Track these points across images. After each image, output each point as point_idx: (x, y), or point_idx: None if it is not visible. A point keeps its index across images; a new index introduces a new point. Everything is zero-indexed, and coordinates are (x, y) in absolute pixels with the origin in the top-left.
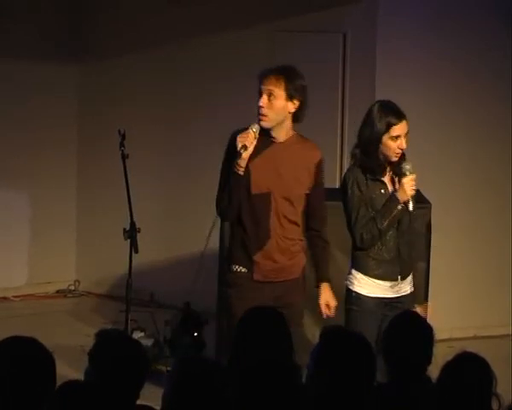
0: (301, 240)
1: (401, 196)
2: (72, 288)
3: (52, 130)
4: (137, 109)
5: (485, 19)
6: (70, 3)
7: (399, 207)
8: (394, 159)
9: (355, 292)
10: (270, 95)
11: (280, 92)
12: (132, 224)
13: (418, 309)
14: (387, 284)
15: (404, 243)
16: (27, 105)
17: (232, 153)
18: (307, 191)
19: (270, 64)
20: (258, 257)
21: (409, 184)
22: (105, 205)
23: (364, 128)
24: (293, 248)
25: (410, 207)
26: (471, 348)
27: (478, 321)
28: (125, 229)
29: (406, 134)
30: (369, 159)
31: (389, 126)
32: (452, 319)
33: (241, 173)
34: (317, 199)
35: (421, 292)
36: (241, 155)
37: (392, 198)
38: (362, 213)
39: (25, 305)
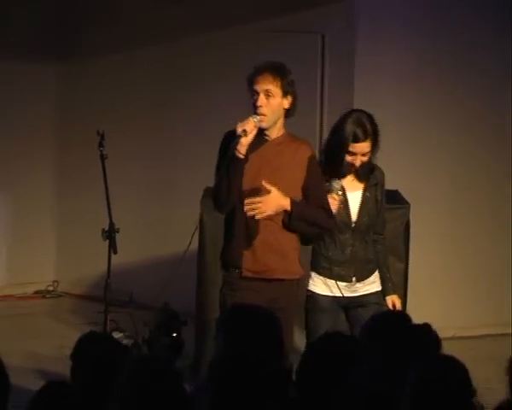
0: (296, 248)
1: None
2: (51, 288)
3: (32, 131)
4: (117, 111)
5: (470, 18)
6: (50, 5)
7: None
8: (351, 169)
9: (310, 291)
10: (267, 94)
11: (277, 90)
12: (111, 224)
13: (388, 300)
14: (342, 284)
15: (362, 245)
16: (5, 107)
17: (225, 151)
18: (301, 187)
19: (253, 64)
20: (246, 254)
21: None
22: (84, 206)
23: (333, 134)
24: (286, 246)
25: None
26: (451, 348)
27: (458, 321)
28: (103, 229)
29: (365, 154)
30: (332, 164)
31: (353, 140)
32: (432, 319)
33: (242, 157)
34: (315, 191)
35: (388, 284)
36: (240, 138)
37: None
38: None
39: (3, 306)
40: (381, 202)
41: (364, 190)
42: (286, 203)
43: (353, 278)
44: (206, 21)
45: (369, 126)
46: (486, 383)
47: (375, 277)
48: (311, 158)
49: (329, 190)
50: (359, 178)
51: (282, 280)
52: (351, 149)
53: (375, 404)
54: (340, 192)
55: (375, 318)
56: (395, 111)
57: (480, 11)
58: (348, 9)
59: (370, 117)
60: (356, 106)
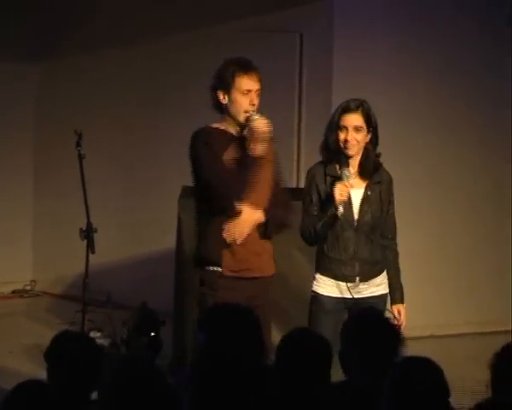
0: (271, 246)
1: (335, 199)
2: (29, 288)
3: (9, 131)
4: (95, 111)
5: (452, 17)
6: (28, 4)
7: (332, 210)
8: (346, 151)
9: (313, 292)
10: (258, 94)
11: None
12: (89, 224)
13: (394, 309)
14: (344, 284)
15: (366, 245)
16: None
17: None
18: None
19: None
20: (226, 253)
21: (338, 189)
22: (62, 205)
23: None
24: (262, 245)
25: (339, 212)
26: (428, 346)
27: (436, 320)
28: (81, 229)
29: (357, 129)
30: (329, 151)
31: (340, 115)
32: (414, 317)
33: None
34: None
35: (397, 293)
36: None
37: (329, 200)
38: (309, 210)
39: None
40: (387, 203)
41: (366, 188)
42: (259, 216)
43: (357, 278)
44: (184, 21)
45: (362, 103)
46: (468, 382)
47: (382, 279)
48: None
49: (341, 178)
50: (362, 175)
51: (259, 278)
52: (342, 122)
53: (356, 399)
54: (351, 180)
55: (352, 315)
56: (375, 109)
57: (466, 11)
58: (326, 9)
59: (366, 102)
60: (334, 105)
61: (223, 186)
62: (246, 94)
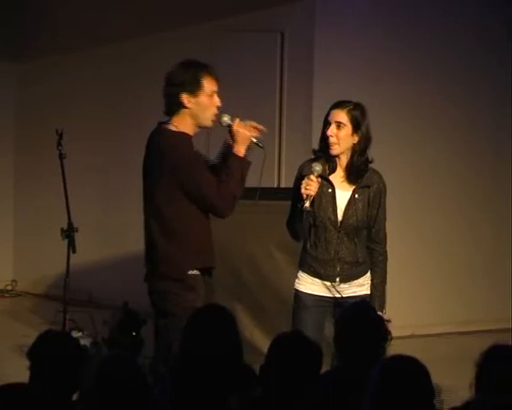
0: None
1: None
2: (10, 288)
3: None
4: (76, 109)
5: (439, 17)
6: (8, 3)
7: (301, 204)
8: (329, 149)
9: (295, 289)
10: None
11: None
12: (70, 223)
13: None
14: (325, 283)
15: (349, 247)
16: None
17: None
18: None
19: (214, 62)
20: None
21: (304, 183)
22: (42, 204)
23: None
24: None
25: (304, 205)
26: (408, 346)
27: (415, 320)
28: (62, 228)
29: (338, 125)
30: (321, 151)
31: (330, 110)
32: (399, 316)
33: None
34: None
35: (375, 302)
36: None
37: (299, 194)
38: (294, 207)
39: None
40: (376, 207)
41: (354, 191)
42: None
43: (337, 279)
44: (166, 20)
45: (355, 105)
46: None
47: (365, 280)
48: None
49: (309, 173)
50: (350, 179)
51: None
52: (328, 117)
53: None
54: (317, 174)
55: (345, 310)
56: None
57: (456, 12)
58: (308, 8)
59: (363, 108)
60: (315, 103)
61: (219, 197)
62: (211, 96)
